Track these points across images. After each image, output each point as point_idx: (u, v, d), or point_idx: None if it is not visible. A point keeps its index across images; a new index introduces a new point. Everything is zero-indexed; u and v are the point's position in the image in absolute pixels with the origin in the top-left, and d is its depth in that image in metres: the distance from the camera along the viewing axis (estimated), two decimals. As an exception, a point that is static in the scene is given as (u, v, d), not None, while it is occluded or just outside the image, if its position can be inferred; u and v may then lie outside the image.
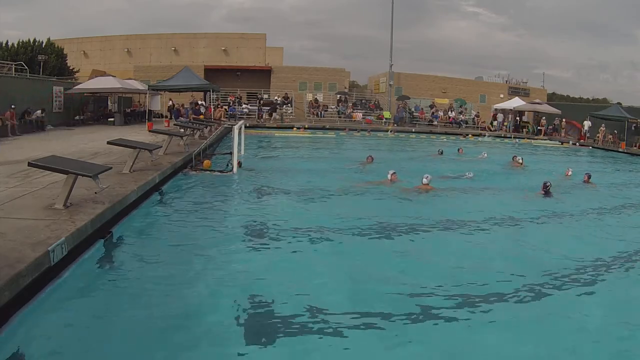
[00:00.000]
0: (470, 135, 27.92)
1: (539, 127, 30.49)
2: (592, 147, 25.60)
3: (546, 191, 9.97)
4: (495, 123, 31.40)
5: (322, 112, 30.50)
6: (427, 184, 9.67)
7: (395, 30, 45.51)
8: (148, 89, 22.56)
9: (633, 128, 25.42)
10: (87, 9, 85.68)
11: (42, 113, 17.33)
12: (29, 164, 5.86)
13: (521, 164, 14.70)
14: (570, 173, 12.74)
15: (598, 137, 26.43)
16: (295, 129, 25.82)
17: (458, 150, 17.86)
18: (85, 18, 79.98)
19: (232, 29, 69.70)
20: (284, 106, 29.47)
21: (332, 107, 31.46)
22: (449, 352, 3.78)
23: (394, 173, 10.36)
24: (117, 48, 35.85)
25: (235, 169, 10.72)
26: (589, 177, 11.97)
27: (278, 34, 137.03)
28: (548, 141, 27.42)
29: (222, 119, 24.29)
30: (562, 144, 26.48)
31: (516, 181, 12.20)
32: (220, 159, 12.31)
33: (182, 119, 22.31)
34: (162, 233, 6.30)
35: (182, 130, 14.12)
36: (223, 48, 34.85)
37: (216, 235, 6.34)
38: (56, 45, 30.11)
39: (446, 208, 8.74)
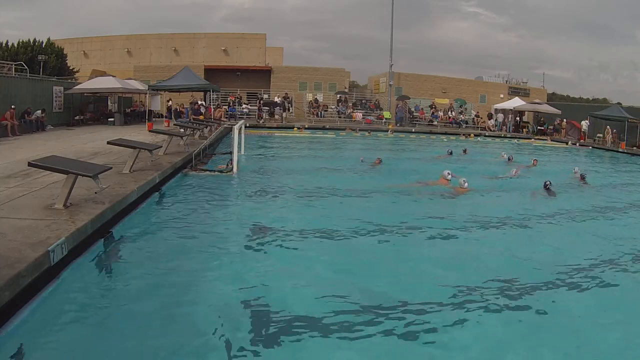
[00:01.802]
0: (471, 135, 27.94)
1: (539, 127, 30.50)
2: (592, 147, 25.61)
3: (548, 190, 10.06)
4: (491, 122, 31.42)
5: (322, 112, 30.51)
6: (465, 187, 9.86)
7: (395, 30, 45.50)
8: (148, 89, 22.56)
9: None
10: (87, 9, 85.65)
11: (42, 113, 17.32)
12: (29, 164, 5.86)
13: (533, 163, 14.98)
14: (577, 171, 12.83)
15: (600, 136, 26.45)
16: (295, 129, 25.84)
17: (464, 151, 17.86)
18: (85, 18, 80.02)
19: (232, 29, 69.66)
20: (282, 105, 29.47)
21: (332, 107, 31.47)
22: (456, 350, 3.78)
23: (450, 173, 10.57)
24: (117, 48, 35.87)
25: (235, 169, 10.71)
26: (584, 177, 12.05)
27: (278, 34, 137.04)
28: (552, 142, 27.40)
29: (222, 119, 24.29)
30: (567, 144, 26.45)
31: (524, 181, 12.27)
32: (221, 159, 12.32)
33: (181, 119, 22.32)
34: (162, 233, 6.30)
35: (182, 130, 14.12)
36: (223, 48, 34.86)
37: (216, 235, 6.34)
38: (56, 45, 30.12)
39: (466, 209, 8.73)
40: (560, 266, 5.66)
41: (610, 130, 25.73)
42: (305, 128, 26.55)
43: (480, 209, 8.73)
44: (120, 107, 23.06)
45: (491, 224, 7.62)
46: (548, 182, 10.23)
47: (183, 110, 24.30)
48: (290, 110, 29.50)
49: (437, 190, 10.04)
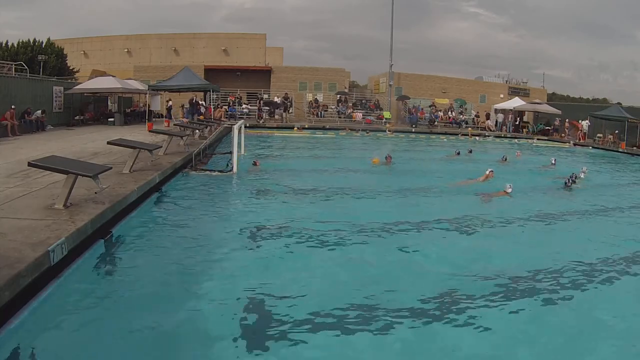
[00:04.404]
0: (469, 131, 27.96)
1: (546, 127, 30.42)
2: (592, 147, 25.61)
3: (569, 186, 10.91)
4: (489, 122, 31.39)
5: (322, 112, 30.51)
6: (507, 192, 9.84)
7: (395, 30, 45.46)
8: (148, 89, 22.56)
9: None
10: (87, 9, 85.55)
11: (42, 113, 17.32)
12: (29, 164, 5.86)
13: (553, 164, 15.30)
14: (585, 171, 12.88)
15: (600, 136, 26.49)
16: (296, 129, 25.85)
17: (470, 151, 17.93)
18: (85, 18, 79.88)
19: (232, 29, 69.72)
20: (283, 106, 29.48)
21: (332, 107, 31.46)
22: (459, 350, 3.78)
23: (492, 171, 11.22)
24: (117, 48, 35.85)
25: (235, 169, 10.70)
26: (574, 180, 12.01)
27: (278, 34, 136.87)
28: (555, 142, 27.36)
29: (222, 119, 24.29)
30: (574, 145, 26.44)
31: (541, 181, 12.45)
32: (221, 159, 12.32)
33: (182, 119, 22.30)
34: (162, 233, 6.30)
35: (182, 130, 14.12)
36: (223, 48, 34.86)
37: (216, 235, 6.34)
38: (56, 45, 30.09)
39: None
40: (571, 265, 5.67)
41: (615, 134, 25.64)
42: (305, 128, 26.56)
43: (507, 209, 8.78)
44: (120, 107, 23.05)
45: (501, 225, 7.66)
46: (568, 180, 10.95)
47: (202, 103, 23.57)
48: (291, 110, 29.49)
49: (461, 190, 10.23)
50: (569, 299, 4.80)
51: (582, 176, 12.56)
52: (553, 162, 15.40)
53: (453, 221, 7.54)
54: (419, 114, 31.95)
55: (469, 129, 28.39)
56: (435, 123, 30.74)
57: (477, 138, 27.16)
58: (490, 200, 9.50)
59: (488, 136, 28.55)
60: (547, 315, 4.46)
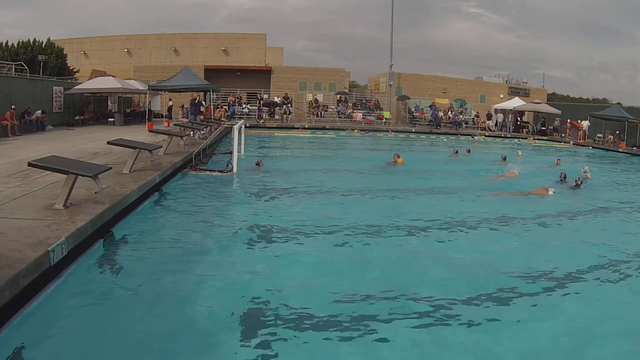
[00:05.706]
0: (475, 135, 28.03)
1: (542, 127, 30.43)
2: (592, 147, 25.60)
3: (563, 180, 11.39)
4: (490, 122, 31.38)
5: (322, 112, 30.51)
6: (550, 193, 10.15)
7: (396, 31, 45.63)
8: (148, 89, 22.56)
9: None
10: (87, 9, 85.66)
11: (42, 113, 17.31)
12: (29, 164, 5.85)
13: (557, 162, 15.73)
14: (588, 174, 12.86)
15: (601, 136, 26.50)
16: (300, 129, 25.88)
17: (467, 151, 17.97)
18: (85, 18, 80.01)
19: (233, 29, 69.96)
20: (284, 106, 29.49)
21: (332, 107, 31.46)
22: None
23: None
24: (117, 48, 35.88)
25: (235, 169, 10.70)
26: (565, 176, 11.97)
27: (279, 35, 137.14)
28: (555, 142, 27.36)
29: (222, 119, 24.29)
30: (574, 145, 26.41)
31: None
32: (221, 159, 12.32)
33: (182, 119, 22.27)
34: (162, 233, 6.30)
35: (182, 130, 14.12)
36: (223, 48, 34.88)
37: (216, 235, 6.34)
38: (56, 45, 30.08)
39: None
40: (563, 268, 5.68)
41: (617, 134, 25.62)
42: (305, 128, 26.58)
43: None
44: (120, 107, 23.05)
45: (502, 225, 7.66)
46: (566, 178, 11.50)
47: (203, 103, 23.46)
48: (291, 111, 29.50)
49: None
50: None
51: (588, 176, 12.56)
52: (557, 162, 15.55)
53: (459, 220, 7.55)
54: (418, 113, 31.94)
55: (483, 135, 28.51)
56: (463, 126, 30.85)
57: (475, 138, 27.17)
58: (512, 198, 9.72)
59: (488, 136, 28.56)
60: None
